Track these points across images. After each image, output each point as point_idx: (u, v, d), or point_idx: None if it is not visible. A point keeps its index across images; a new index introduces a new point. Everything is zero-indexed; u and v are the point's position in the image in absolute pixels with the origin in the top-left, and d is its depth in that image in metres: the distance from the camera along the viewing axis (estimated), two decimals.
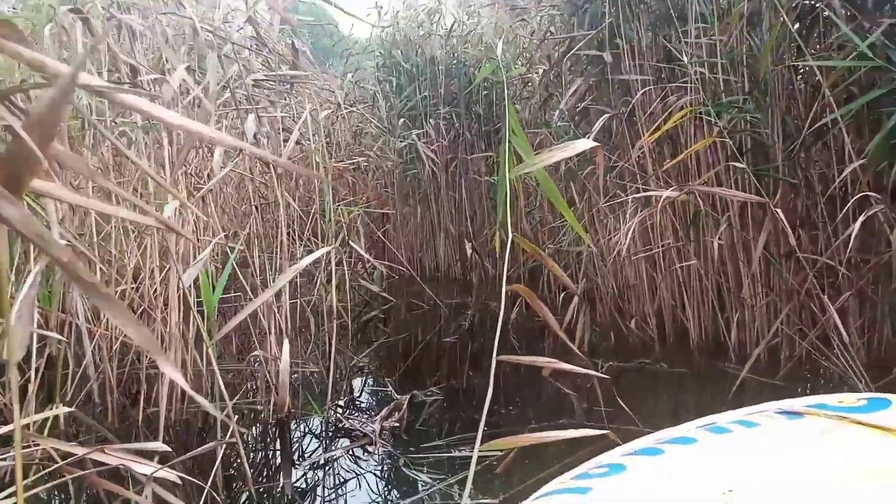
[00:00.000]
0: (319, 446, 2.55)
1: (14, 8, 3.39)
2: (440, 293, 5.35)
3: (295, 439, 2.63)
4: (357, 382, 3.42)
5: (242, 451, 2.05)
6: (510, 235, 1.47)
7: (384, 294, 5.01)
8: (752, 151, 3.24)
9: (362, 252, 4.30)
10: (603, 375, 1.92)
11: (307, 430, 2.73)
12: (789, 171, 3.10)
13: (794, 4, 3.02)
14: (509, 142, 1.57)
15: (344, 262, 4.01)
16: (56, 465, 1.36)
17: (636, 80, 3.61)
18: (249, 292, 3.18)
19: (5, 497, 1.30)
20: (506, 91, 1.97)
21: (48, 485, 1.40)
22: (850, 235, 2.59)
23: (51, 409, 2.10)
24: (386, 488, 2.18)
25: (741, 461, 1.17)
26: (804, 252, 2.98)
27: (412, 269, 6.08)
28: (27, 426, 1.62)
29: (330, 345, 3.18)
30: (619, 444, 1.32)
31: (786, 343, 3.19)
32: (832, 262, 2.88)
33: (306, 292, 3.92)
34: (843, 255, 2.83)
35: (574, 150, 1.56)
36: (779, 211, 2.67)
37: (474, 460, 1.25)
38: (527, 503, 1.17)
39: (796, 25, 3.10)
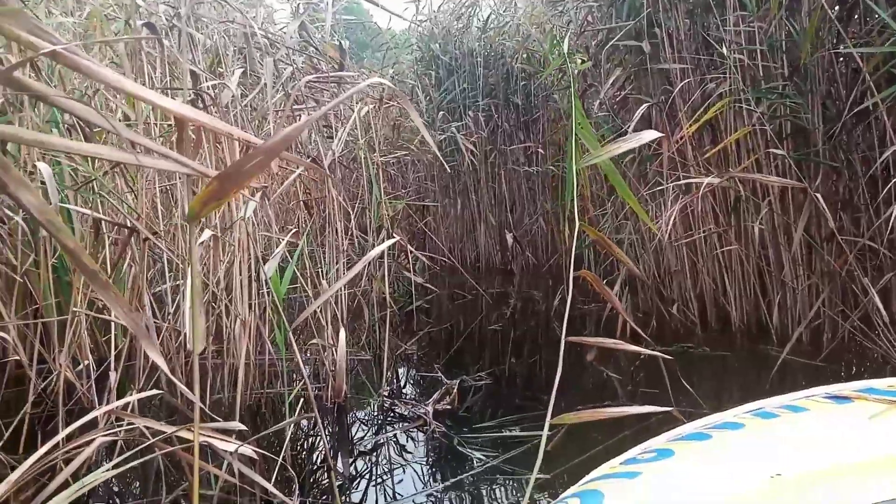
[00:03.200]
0: (374, 429, 2.68)
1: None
2: (481, 283, 5.45)
3: (350, 422, 2.76)
4: (403, 370, 3.54)
5: (322, 426, 2.18)
6: (577, 223, 1.55)
7: (427, 284, 5.14)
8: (793, 136, 3.27)
9: (405, 244, 4.43)
10: (665, 355, 1.97)
11: (361, 414, 2.86)
12: (830, 155, 3.13)
13: None
14: (575, 133, 1.65)
15: (389, 253, 4.14)
16: (149, 442, 1.50)
17: (675, 69, 3.66)
18: (301, 281, 3.32)
19: (110, 468, 1.45)
20: (573, 86, 1.97)
21: (141, 460, 1.55)
22: (891, 216, 2.62)
23: (130, 394, 2.27)
24: (443, 466, 2.28)
25: (789, 446, 1.17)
26: (845, 234, 3.01)
27: (453, 260, 6.19)
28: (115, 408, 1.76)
29: (381, 332, 3.31)
30: (684, 421, 1.36)
31: (828, 325, 3.22)
32: (873, 244, 2.91)
33: (355, 282, 4.06)
34: (884, 236, 2.86)
35: (640, 141, 1.62)
36: (818, 196, 2.71)
37: (546, 428, 1.33)
38: (576, 488, 1.18)
39: (836, 10, 3.11)
